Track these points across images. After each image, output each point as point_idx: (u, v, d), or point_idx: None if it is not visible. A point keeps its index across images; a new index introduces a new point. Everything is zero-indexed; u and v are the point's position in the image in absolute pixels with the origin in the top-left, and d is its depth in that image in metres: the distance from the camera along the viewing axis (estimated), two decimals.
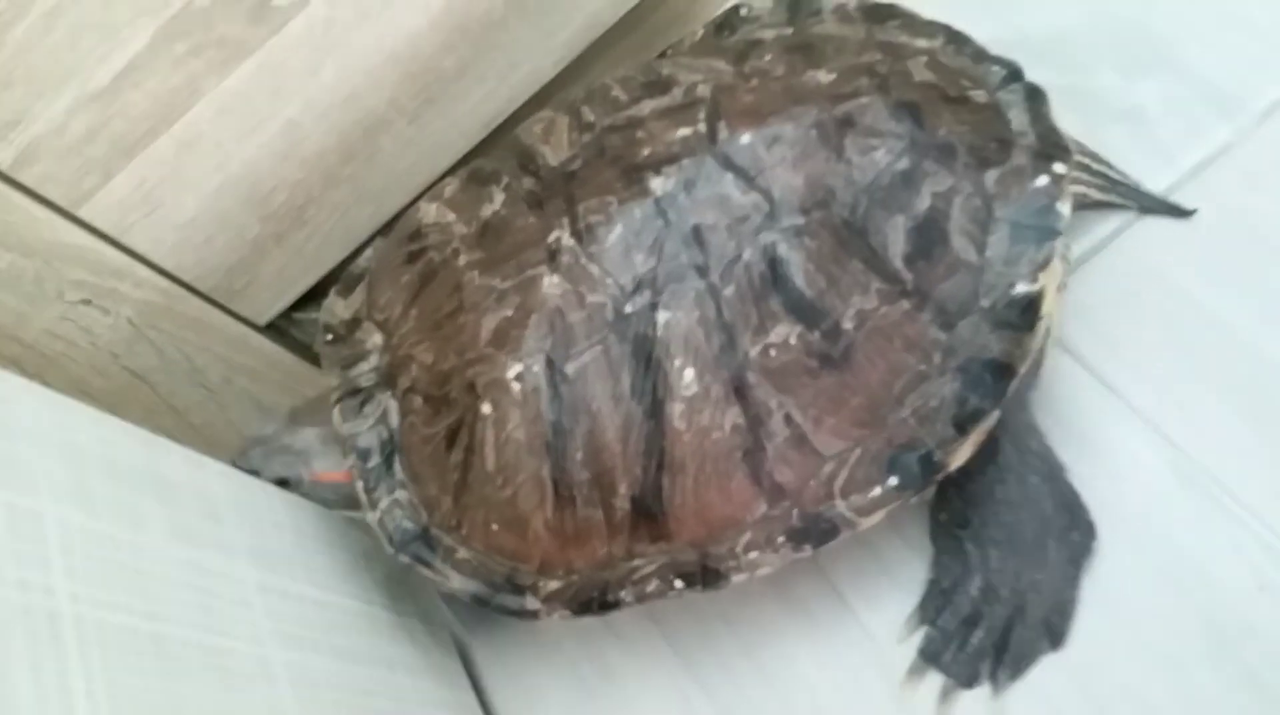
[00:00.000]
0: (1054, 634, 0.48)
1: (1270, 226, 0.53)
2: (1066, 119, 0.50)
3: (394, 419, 0.51)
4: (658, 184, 0.47)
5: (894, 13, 0.55)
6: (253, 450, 0.54)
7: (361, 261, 0.58)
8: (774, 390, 0.46)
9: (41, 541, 0.35)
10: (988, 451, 0.48)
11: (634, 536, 0.47)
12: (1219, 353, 0.52)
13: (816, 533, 0.46)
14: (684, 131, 0.48)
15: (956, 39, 0.53)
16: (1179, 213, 0.55)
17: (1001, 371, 0.46)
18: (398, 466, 0.51)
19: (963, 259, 0.46)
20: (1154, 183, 0.56)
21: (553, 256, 0.48)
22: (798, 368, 0.46)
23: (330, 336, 0.56)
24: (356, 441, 0.51)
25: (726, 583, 0.47)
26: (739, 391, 0.46)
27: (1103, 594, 0.49)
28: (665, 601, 0.48)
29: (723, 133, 0.48)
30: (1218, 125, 0.56)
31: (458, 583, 0.50)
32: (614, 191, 0.48)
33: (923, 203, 0.47)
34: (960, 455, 0.46)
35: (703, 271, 0.46)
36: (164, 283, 0.58)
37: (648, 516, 0.47)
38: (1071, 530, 0.49)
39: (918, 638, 0.50)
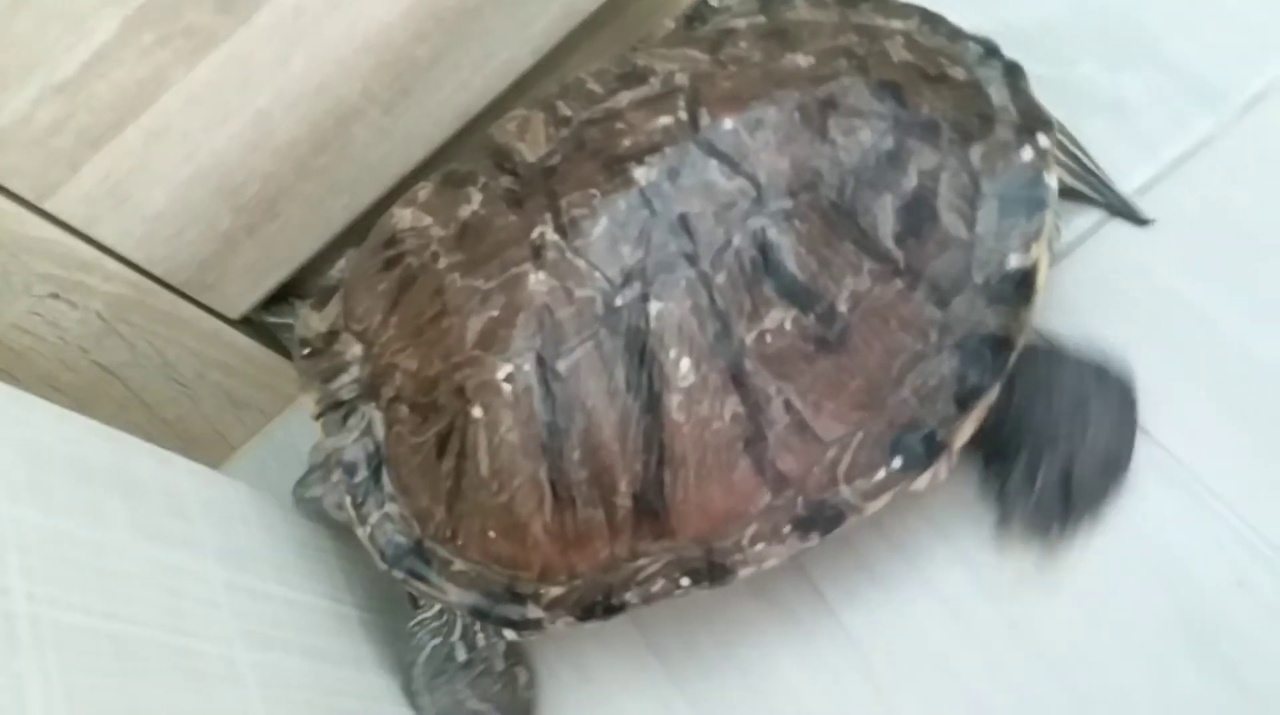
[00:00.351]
0: (1117, 464, 0.49)
1: (1251, 219, 0.53)
2: (1049, 110, 0.50)
3: (379, 430, 0.49)
4: (641, 174, 0.46)
5: None
6: (310, 477, 0.53)
7: (335, 273, 0.57)
8: (772, 377, 0.45)
9: None
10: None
11: (637, 535, 0.46)
12: (1199, 346, 0.52)
13: (823, 520, 0.45)
14: (665, 120, 0.47)
15: (931, 19, 0.53)
16: (1138, 220, 0.55)
17: (1000, 346, 0.45)
18: (386, 479, 0.49)
19: (953, 235, 0.46)
20: (1137, 174, 0.56)
21: (537, 253, 0.47)
22: (794, 353, 0.45)
23: (307, 350, 0.54)
24: (342, 455, 0.50)
25: (734, 578, 0.46)
26: (737, 380, 0.45)
27: (1083, 590, 0.49)
28: (671, 601, 0.47)
29: (704, 119, 0.47)
30: (1200, 117, 0.56)
31: (455, 596, 0.48)
32: (596, 184, 0.47)
33: (910, 181, 0.46)
34: (963, 433, 0.46)
35: (693, 260, 0.45)
36: (134, 276, 0.57)
37: (650, 513, 0.46)
38: (1106, 380, 0.50)
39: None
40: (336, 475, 0.50)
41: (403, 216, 0.54)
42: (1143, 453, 0.50)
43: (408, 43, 0.56)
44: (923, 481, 0.47)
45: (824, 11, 0.54)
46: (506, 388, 0.46)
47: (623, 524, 0.46)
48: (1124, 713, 0.47)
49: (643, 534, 0.46)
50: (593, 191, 0.47)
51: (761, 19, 0.55)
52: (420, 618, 0.53)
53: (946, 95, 0.49)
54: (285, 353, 0.65)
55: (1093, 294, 0.54)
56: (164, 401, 0.63)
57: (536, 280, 0.46)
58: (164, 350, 0.61)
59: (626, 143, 0.48)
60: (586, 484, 0.46)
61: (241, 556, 0.47)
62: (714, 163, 0.46)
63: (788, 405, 0.45)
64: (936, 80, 0.49)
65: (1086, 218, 0.56)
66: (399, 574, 0.49)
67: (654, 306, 0.45)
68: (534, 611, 0.48)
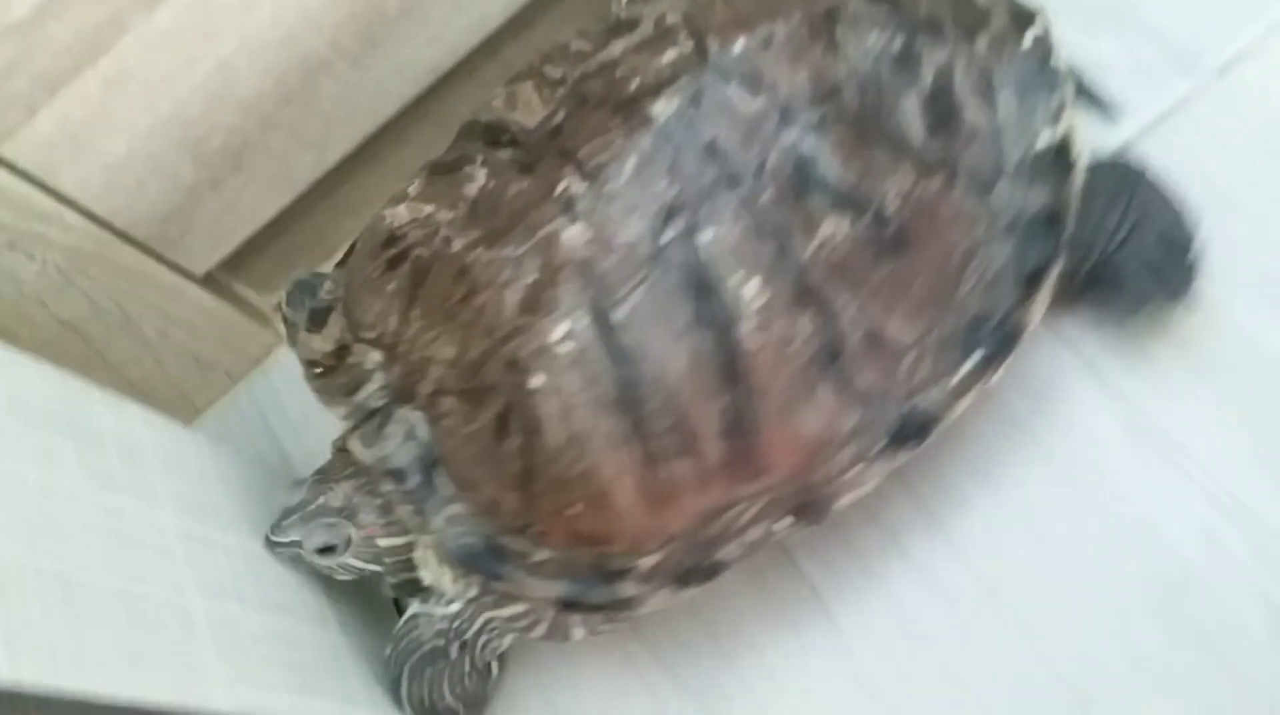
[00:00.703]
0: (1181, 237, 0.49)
1: (1226, 178, 0.54)
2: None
3: (423, 430, 0.46)
4: (659, 109, 0.44)
5: None
6: (286, 521, 0.48)
7: (324, 295, 0.53)
8: (839, 287, 0.43)
9: None
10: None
11: (731, 480, 0.43)
12: (1170, 307, 0.52)
13: (914, 428, 0.44)
14: (670, 55, 0.46)
15: None
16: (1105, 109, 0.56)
17: (1052, 220, 0.45)
18: (442, 479, 0.45)
19: (980, 125, 0.46)
20: (1113, 136, 0.56)
21: (568, 206, 0.44)
22: (855, 260, 0.43)
23: (319, 370, 0.50)
24: (388, 463, 0.46)
25: (831, 509, 0.44)
26: (806, 295, 0.43)
27: (1051, 549, 0.49)
28: (767, 549, 0.45)
29: (713, 46, 0.45)
30: (1177, 80, 0.57)
31: (540, 590, 0.45)
32: (611, 129, 0.44)
33: (927, 78, 0.46)
34: (1036, 312, 0.45)
35: (733, 183, 0.43)
36: (94, 228, 0.55)
37: (742, 453, 0.43)
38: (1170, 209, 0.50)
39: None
40: (385, 486, 0.46)
41: (397, 214, 0.50)
42: (1112, 410, 0.50)
43: None
44: (998, 374, 0.46)
45: None
46: (564, 349, 0.43)
47: (715, 470, 0.43)
48: (1093, 674, 0.47)
49: (736, 477, 0.43)
50: (611, 137, 0.44)
51: None
52: (425, 611, 0.49)
53: None
54: (252, 314, 0.65)
55: None
56: (127, 361, 0.61)
57: (571, 234, 0.43)
58: (125, 306, 0.59)
59: (634, 85, 0.46)
60: (669, 433, 0.43)
61: (199, 507, 0.46)
62: (732, 85, 0.44)
63: (860, 313, 0.43)
64: None
65: None
66: (476, 580, 0.45)
67: (704, 236, 0.43)
68: (628, 589, 0.44)
